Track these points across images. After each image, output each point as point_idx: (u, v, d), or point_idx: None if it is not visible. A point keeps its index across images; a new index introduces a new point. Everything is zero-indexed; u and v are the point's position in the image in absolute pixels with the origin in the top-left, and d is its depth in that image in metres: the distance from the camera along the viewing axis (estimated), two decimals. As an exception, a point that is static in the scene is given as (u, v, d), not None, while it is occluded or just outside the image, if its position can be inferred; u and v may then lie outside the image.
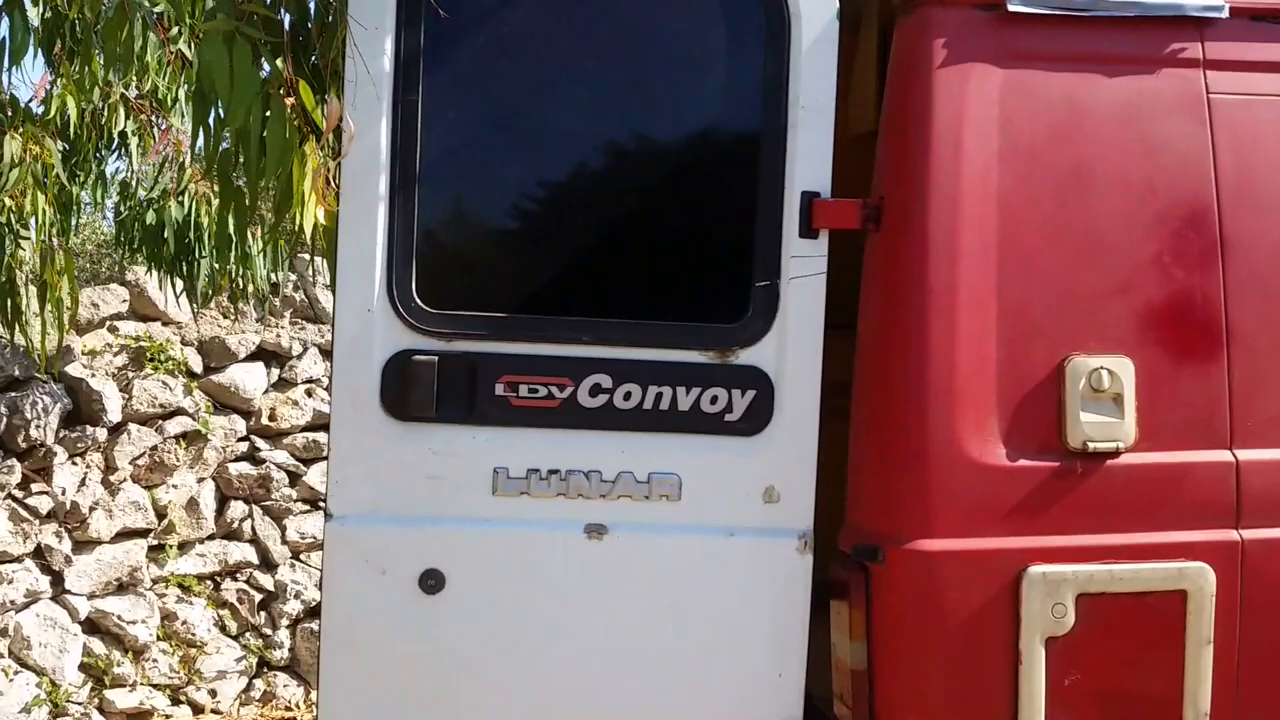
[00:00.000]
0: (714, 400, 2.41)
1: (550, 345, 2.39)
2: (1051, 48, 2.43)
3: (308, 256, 6.38)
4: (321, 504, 6.26)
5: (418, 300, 2.37)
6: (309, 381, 6.21)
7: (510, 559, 2.41)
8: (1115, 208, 2.41)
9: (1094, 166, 2.41)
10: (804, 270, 2.41)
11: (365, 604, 2.39)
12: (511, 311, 2.41)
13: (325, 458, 6.05)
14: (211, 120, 2.64)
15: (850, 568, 2.41)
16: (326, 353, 6.28)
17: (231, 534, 5.95)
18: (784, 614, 2.44)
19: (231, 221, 2.95)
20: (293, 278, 6.22)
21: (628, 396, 2.39)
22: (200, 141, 2.69)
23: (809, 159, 2.41)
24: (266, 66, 2.53)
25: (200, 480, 5.81)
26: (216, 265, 4.71)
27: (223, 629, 5.86)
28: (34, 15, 3.58)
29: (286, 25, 2.67)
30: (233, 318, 6.14)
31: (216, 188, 4.67)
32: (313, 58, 2.74)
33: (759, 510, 2.43)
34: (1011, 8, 2.36)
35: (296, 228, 2.72)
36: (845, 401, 2.50)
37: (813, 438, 2.43)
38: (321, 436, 6.13)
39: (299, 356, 6.16)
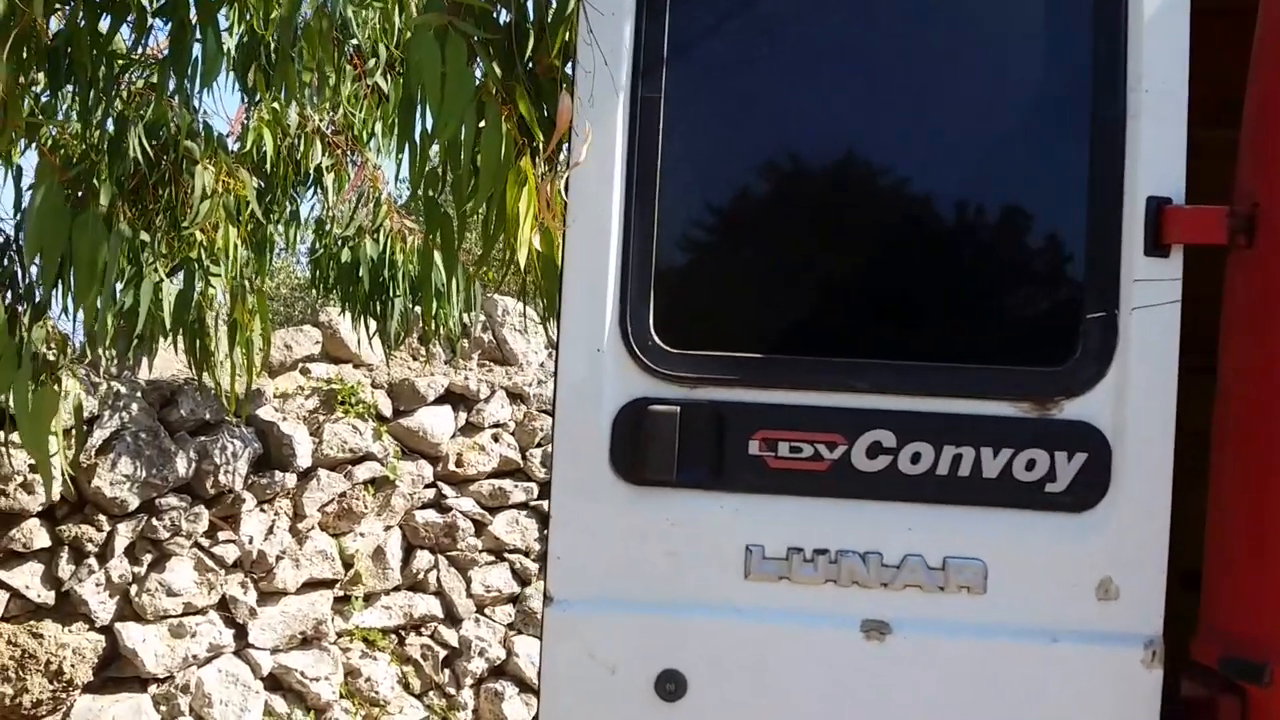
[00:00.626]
0: (1030, 465, 1.88)
1: (818, 394, 1.92)
2: None
3: (497, 296, 6.14)
4: (508, 555, 6.00)
5: (656, 338, 1.94)
6: (496, 426, 5.95)
7: (765, 660, 1.93)
8: None
9: None
10: (1151, 298, 1.87)
11: (590, 709, 1.95)
12: (769, 352, 1.95)
13: (510, 506, 5.89)
14: (418, 134, 2.30)
15: (1216, 686, 1.83)
16: (514, 395, 6.01)
17: (416, 585, 5.71)
18: (1123, 745, 1.88)
19: (439, 254, 2.60)
20: (481, 318, 5.98)
21: (916, 459, 1.89)
22: (404, 162, 2.34)
23: (1157, 156, 1.87)
24: (480, 71, 2.18)
25: (387, 528, 5.59)
26: (410, 305, 4.45)
27: (406, 687, 5.59)
28: (229, 40, 3.39)
29: (503, 23, 2.32)
30: (423, 360, 5.94)
31: (412, 222, 4.46)
32: (529, 64, 2.38)
33: (1091, 609, 1.88)
34: None
35: (508, 258, 2.35)
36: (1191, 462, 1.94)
37: (1164, 515, 1.87)
38: (507, 483, 5.87)
39: (486, 400, 5.90)
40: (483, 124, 2.09)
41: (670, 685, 1.91)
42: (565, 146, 2.04)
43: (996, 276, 2.00)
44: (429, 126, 2.24)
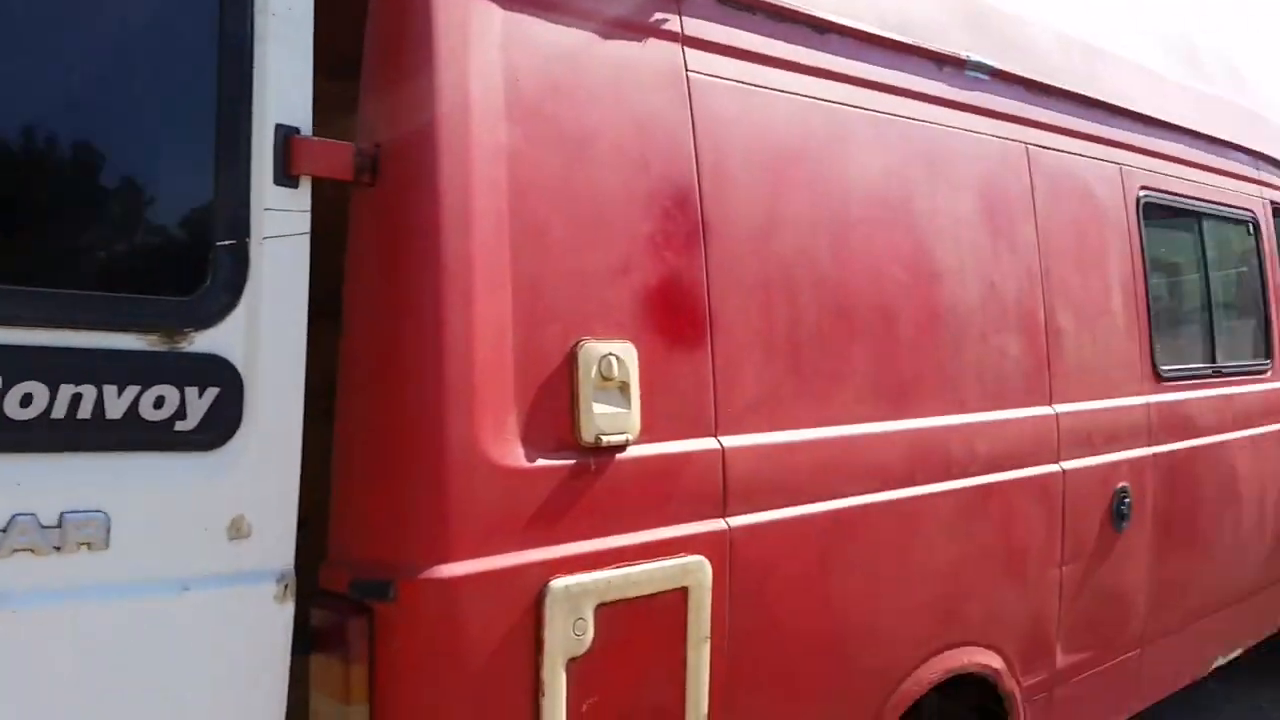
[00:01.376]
0: (159, 403, 1.73)
1: None
2: (549, -4, 2.18)
3: None
4: None
5: None
6: None
7: None
8: (615, 180, 2.23)
9: (595, 133, 2.21)
10: (282, 228, 1.84)
11: None
12: None
13: None
14: None
15: (344, 611, 1.90)
16: None
17: None
18: (257, 684, 1.84)
19: None
20: None
21: (27, 401, 1.61)
22: None
23: (284, 83, 1.85)
24: None
25: None
26: None
27: None
28: None
29: None
30: None
31: None
32: None
33: (223, 550, 1.79)
34: None
35: None
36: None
37: (295, 450, 1.87)
38: None
39: None
40: None
41: None
42: None
43: (121, 198, 1.77)
44: None
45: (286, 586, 1.86)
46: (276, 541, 1.85)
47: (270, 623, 1.85)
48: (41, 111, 1.69)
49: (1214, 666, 4.42)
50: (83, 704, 1.66)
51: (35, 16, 1.66)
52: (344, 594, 1.92)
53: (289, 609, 1.87)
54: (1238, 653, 4.60)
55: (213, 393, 1.78)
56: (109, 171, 1.77)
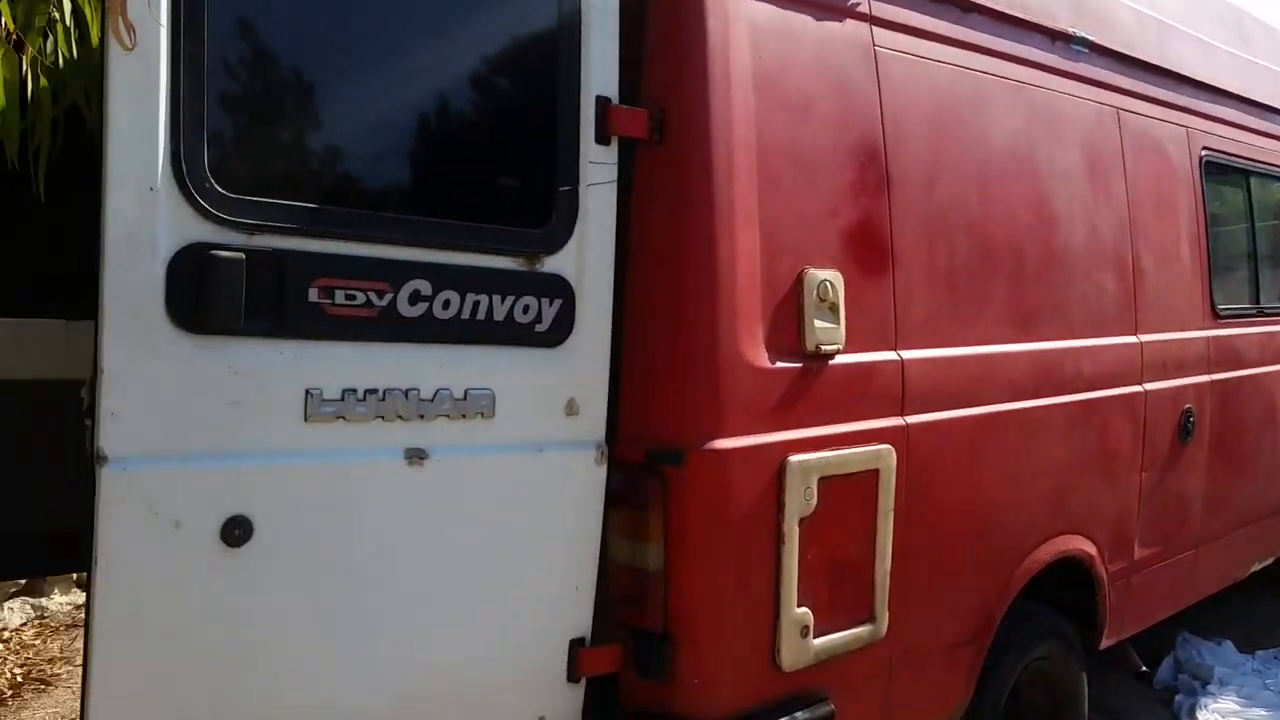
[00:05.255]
0: (525, 310, 2.27)
1: (368, 245, 2.05)
2: (776, -13, 2.68)
3: None
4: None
5: (212, 180, 1.86)
6: None
7: (326, 496, 2.03)
8: (825, 139, 2.75)
9: (811, 100, 2.72)
10: (600, 177, 2.37)
11: (155, 568, 1.84)
12: (323, 202, 2.01)
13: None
14: None
15: (643, 474, 2.46)
16: None
17: None
18: (582, 527, 2.41)
19: None
20: None
21: (447, 305, 2.15)
22: None
23: (601, 62, 2.37)
24: None
25: None
26: None
27: None
28: None
29: None
30: None
31: None
32: None
33: (562, 423, 2.35)
34: None
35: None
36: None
37: (607, 347, 2.42)
38: None
39: None
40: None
41: (237, 531, 1.90)
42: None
43: (496, 153, 2.32)
44: None
45: (603, 453, 2.42)
46: (596, 418, 2.41)
47: (593, 478, 2.41)
48: (444, 94, 2.22)
49: (1251, 570, 5.03)
50: (472, 536, 2.23)
51: (447, 30, 2.18)
52: (639, 463, 2.46)
53: (604, 469, 2.43)
54: (1270, 560, 5.22)
55: (558, 303, 2.32)
56: (488, 134, 2.31)
